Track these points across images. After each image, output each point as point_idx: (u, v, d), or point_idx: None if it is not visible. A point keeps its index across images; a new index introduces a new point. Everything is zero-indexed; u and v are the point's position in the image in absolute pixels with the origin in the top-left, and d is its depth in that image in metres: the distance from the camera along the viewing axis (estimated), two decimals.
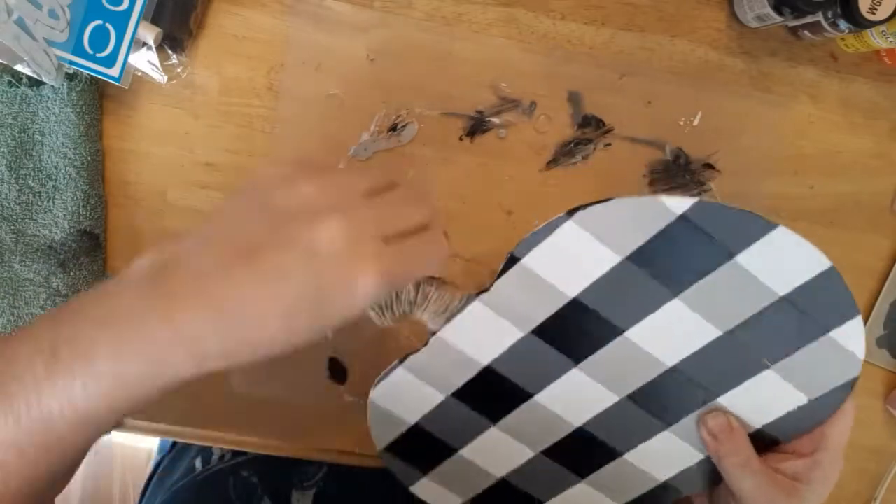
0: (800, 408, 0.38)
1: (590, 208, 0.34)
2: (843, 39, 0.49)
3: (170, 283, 0.28)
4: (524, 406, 0.40)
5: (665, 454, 0.41)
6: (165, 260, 0.29)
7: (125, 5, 0.42)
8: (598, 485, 0.42)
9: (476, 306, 0.37)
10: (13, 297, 0.46)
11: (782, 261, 0.35)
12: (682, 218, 0.34)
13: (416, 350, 0.39)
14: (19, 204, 0.46)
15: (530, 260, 0.36)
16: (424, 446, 0.42)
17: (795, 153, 0.51)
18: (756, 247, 0.34)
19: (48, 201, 0.46)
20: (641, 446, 0.40)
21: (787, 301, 0.35)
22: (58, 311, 0.30)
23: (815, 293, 0.35)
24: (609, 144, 0.50)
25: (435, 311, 0.37)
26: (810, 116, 0.51)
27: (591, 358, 0.38)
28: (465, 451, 0.42)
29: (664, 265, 0.35)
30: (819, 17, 0.45)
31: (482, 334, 0.38)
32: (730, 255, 0.35)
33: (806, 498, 0.37)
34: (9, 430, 0.27)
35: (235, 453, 0.58)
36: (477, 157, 0.49)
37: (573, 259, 0.36)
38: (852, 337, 0.36)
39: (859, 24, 0.43)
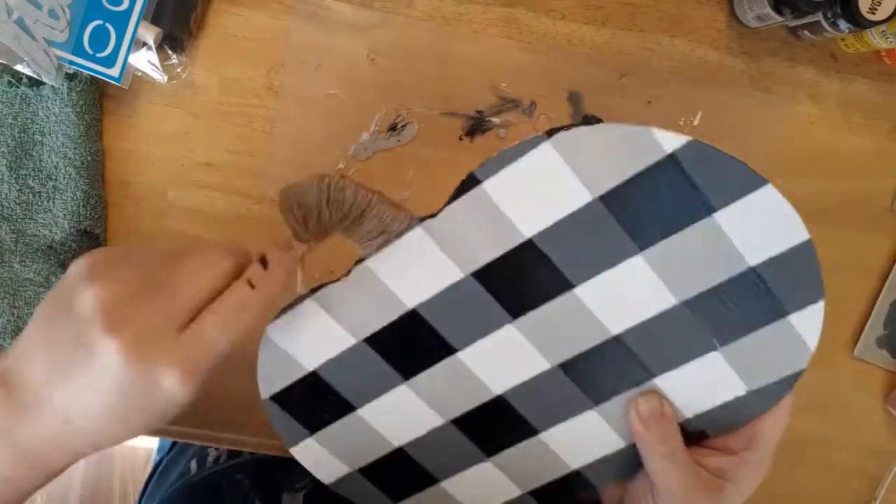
0: (736, 398, 0.35)
1: (573, 130, 0.30)
2: (843, 39, 0.49)
3: (11, 398, 0.30)
4: (443, 363, 0.36)
5: (585, 437, 0.37)
6: (7, 368, 0.30)
7: (125, 5, 0.42)
8: (504, 466, 0.38)
9: (417, 233, 0.33)
10: (13, 297, 0.46)
11: (760, 225, 0.31)
12: (671, 157, 0.30)
13: (334, 280, 0.34)
14: (19, 204, 0.46)
15: (491, 184, 0.32)
16: (319, 400, 0.37)
17: (795, 153, 0.51)
18: (738, 204, 0.31)
19: (48, 201, 0.46)
20: (561, 425, 0.37)
21: (755, 272, 0.32)
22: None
23: (785, 268, 0.32)
24: None
25: (369, 231, 0.33)
26: (810, 116, 0.51)
27: (532, 314, 0.34)
28: (365, 411, 0.37)
29: (636, 212, 0.31)
30: (819, 17, 0.45)
31: (416, 270, 0.34)
32: (709, 210, 0.31)
33: (728, 495, 0.35)
34: None
35: (230, 456, 0.58)
36: (477, 157, 0.49)
37: (539, 191, 0.32)
38: (809, 325, 0.33)
39: (859, 24, 0.43)
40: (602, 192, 0.31)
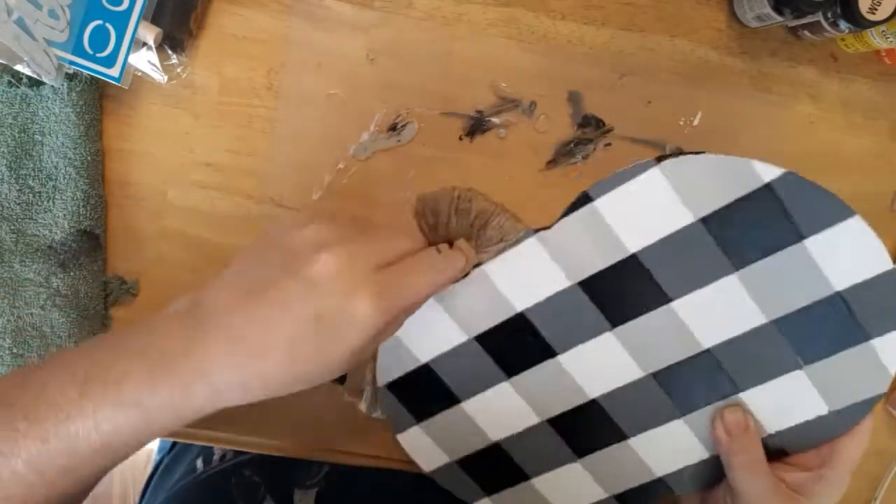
0: (818, 418, 0.37)
1: (680, 157, 0.34)
2: (843, 39, 0.49)
3: (193, 322, 0.30)
4: (544, 364, 0.38)
5: (671, 446, 0.39)
6: (193, 301, 0.31)
7: (125, 5, 0.42)
8: (592, 468, 0.41)
9: (531, 243, 0.36)
10: (13, 297, 0.46)
11: (847, 253, 0.34)
12: (768, 187, 0.33)
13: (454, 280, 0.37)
14: (19, 204, 0.46)
15: (602, 203, 0.35)
16: (428, 391, 0.40)
17: (795, 153, 0.51)
18: (827, 233, 0.33)
19: (48, 201, 0.46)
20: (650, 432, 0.39)
21: (841, 297, 0.34)
22: (94, 342, 0.32)
23: (870, 295, 0.34)
24: (609, 144, 0.50)
25: (490, 238, 0.36)
26: (810, 116, 0.51)
27: (630, 324, 0.37)
28: (469, 404, 0.40)
29: (734, 235, 0.34)
30: (819, 17, 0.45)
31: (527, 277, 0.37)
32: (800, 237, 0.34)
33: None
34: (34, 450, 0.28)
35: (237, 453, 0.58)
36: (477, 157, 0.49)
37: (646, 211, 0.35)
38: (890, 350, 0.35)
39: (859, 24, 0.43)
40: (703, 214, 0.34)
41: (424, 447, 0.42)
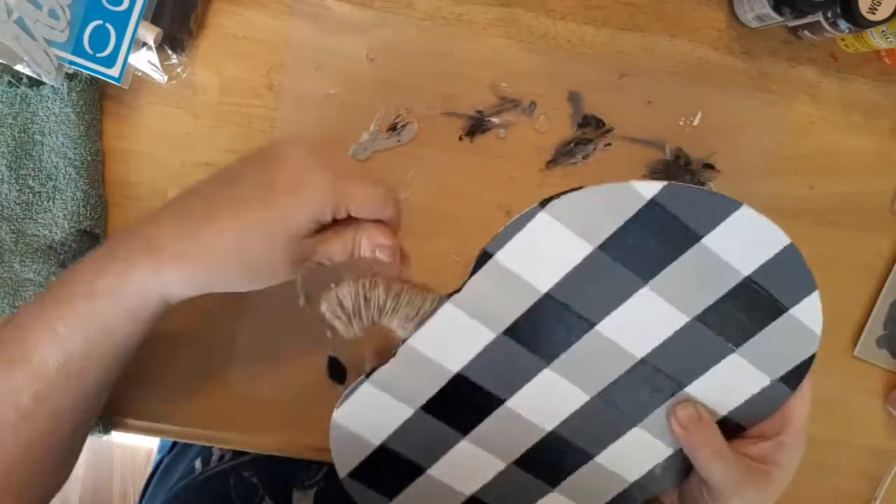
0: (762, 389, 0.39)
1: (562, 197, 0.35)
2: (843, 39, 0.49)
3: (180, 216, 0.36)
4: (495, 413, 0.39)
5: (636, 452, 0.41)
6: (183, 199, 0.37)
7: (125, 5, 0.42)
8: (570, 492, 0.42)
9: (447, 308, 0.37)
10: (13, 297, 0.46)
11: (745, 240, 0.36)
12: (652, 202, 0.35)
13: (382, 363, 0.38)
14: (19, 204, 0.46)
15: (503, 255, 0.36)
16: (391, 468, 0.41)
17: (795, 153, 0.51)
18: (721, 227, 0.35)
19: (48, 201, 0.46)
20: (613, 446, 0.40)
21: (751, 280, 0.36)
22: (122, 235, 0.37)
23: (776, 271, 0.36)
24: (609, 144, 0.50)
25: (406, 316, 0.37)
26: (810, 116, 0.51)
27: (563, 356, 0.38)
28: (434, 470, 0.41)
29: (634, 252, 0.36)
30: (819, 17, 0.45)
31: (453, 339, 0.38)
32: (697, 238, 0.35)
33: (775, 478, 0.38)
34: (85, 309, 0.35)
35: (235, 454, 0.58)
36: (477, 157, 0.49)
37: (545, 252, 0.36)
38: (811, 313, 0.37)
39: (859, 24, 0.43)
40: (600, 241, 0.36)
41: None
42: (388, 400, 0.39)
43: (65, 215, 0.46)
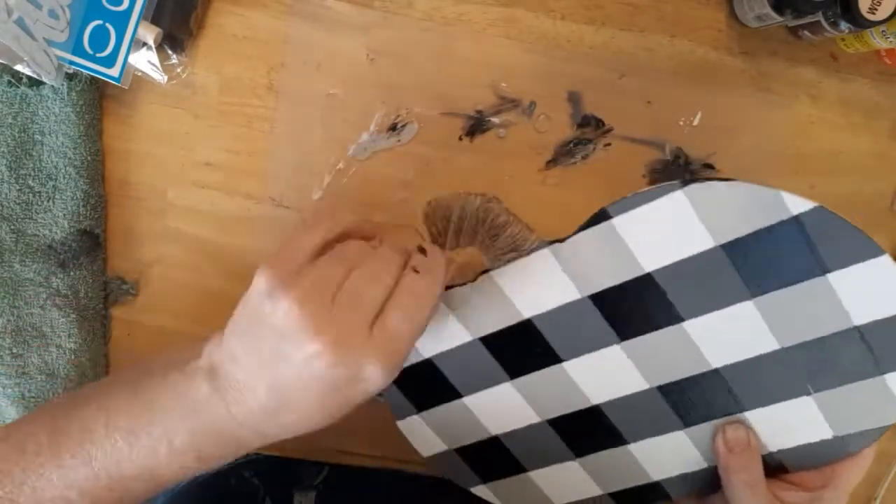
0: (822, 441, 0.37)
1: (705, 182, 0.33)
2: (843, 39, 0.49)
3: (223, 385, 0.33)
4: (548, 370, 0.39)
5: (670, 454, 0.40)
6: (215, 364, 0.34)
7: (125, 5, 0.42)
8: (590, 467, 0.41)
9: (543, 254, 0.36)
10: (13, 297, 0.46)
11: (871, 290, 0.33)
12: (796, 219, 0.33)
13: (461, 284, 0.37)
14: (19, 204, 0.46)
15: (620, 221, 0.34)
16: (429, 383, 0.41)
17: (795, 153, 0.51)
18: (852, 268, 0.33)
19: (48, 201, 0.46)
20: (650, 440, 0.39)
21: (859, 332, 0.34)
22: (119, 388, 0.36)
23: (889, 331, 0.34)
24: (609, 144, 0.50)
25: (501, 247, 0.36)
26: (810, 116, 0.51)
27: (638, 339, 0.37)
28: (470, 400, 0.40)
29: (754, 263, 0.34)
30: (819, 17, 0.45)
31: (537, 286, 0.37)
32: (823, 271, 0.33)
33: None
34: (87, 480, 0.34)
35: None
36: (477, 156, 0.49)
37: (664, 232, 0.34)
38: None
39: (859, 24, 0.43)
40: (725, 240, 0.34)
41: (423, 435, 0.43)
42: (450, 320, 0.39)
43: (65, 215, 0.46)
